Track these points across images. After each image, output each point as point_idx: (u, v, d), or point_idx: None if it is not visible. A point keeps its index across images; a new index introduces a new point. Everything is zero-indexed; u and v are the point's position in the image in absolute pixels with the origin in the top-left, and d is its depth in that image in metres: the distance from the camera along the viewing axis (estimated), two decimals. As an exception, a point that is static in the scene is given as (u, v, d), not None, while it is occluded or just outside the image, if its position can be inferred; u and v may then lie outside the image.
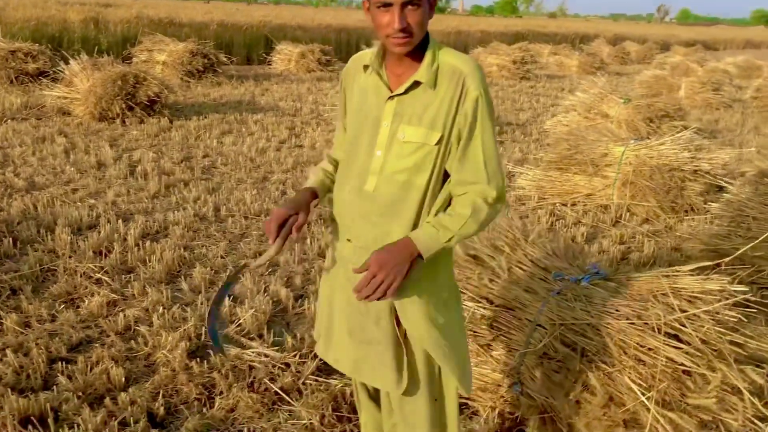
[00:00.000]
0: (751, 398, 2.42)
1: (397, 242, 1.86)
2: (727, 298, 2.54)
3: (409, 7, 1.76)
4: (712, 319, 2.53)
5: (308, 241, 5.00)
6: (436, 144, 1.88)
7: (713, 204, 5.23)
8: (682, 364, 2.41)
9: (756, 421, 2.49)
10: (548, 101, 13.64)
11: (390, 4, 1.76)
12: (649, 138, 7.91)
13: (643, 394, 2.41)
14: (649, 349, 2.47)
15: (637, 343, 2.48)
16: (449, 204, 1.96)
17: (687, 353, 2.44)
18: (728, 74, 17.66)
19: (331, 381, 3.15)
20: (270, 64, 17.45)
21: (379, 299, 1.84)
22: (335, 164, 2.14)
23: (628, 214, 6.03)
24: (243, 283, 4.20)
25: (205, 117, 9.69)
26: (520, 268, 3.07)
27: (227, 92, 12.46)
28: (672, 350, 2.43)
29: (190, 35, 17.02)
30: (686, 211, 5.97)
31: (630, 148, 6.22)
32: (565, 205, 6.27)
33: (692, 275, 2.68)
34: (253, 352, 3.37)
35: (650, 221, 5.90)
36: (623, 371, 2.48)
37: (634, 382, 2.44)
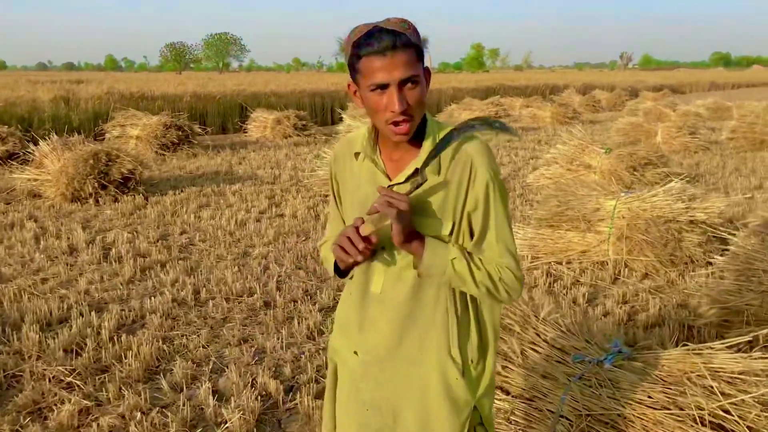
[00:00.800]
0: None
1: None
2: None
3: (408, 85, 1.55)
4: (758, 402, 2.26)
5: (295, 321, 4.68)
6: (449, 234, 1.66)
7: (717, 257, 5.02)
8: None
9: None
10: (527, 154, 13.57)
11: (386, 86, 1.54)
12: (634, 187, 7.79)
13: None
14: (694, 443, 2.19)
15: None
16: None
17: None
18: (701, 117, 17.86)
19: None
20: (246, 132, 17.32)
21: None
22: None
23: (626, 269, 5.81)
24: (228, 377, 3.87)
25: (182, 191, 9.42)
26: (535, 351, 2.79)
27: (204, 163, 12.24)
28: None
29: (163, 108, 16.91)
30: (686, 264, 5.75)
31: (622, 201, 6.04)
32: (560, 263, 6.03)
33: (728, 352, 2.42)
34: (243, 460, 3.03)
35: (650, 276, 5.67)
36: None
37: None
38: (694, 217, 5.84)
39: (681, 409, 2.28)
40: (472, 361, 1.72)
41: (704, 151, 13.48)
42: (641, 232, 5.82)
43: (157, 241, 6.87)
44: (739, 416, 2.22)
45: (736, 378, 2.33)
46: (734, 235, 4.74)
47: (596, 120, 22.56)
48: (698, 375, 2.38)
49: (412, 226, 1.60)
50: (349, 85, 1.67)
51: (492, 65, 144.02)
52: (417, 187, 1.62)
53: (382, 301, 1.72)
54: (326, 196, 9.11)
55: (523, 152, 13.86)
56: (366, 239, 1.58)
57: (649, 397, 2.40)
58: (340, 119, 16.97)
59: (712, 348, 2.51)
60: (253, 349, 4.28)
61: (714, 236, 5.79)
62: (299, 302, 5.12)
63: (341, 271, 1.76)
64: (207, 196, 9.18)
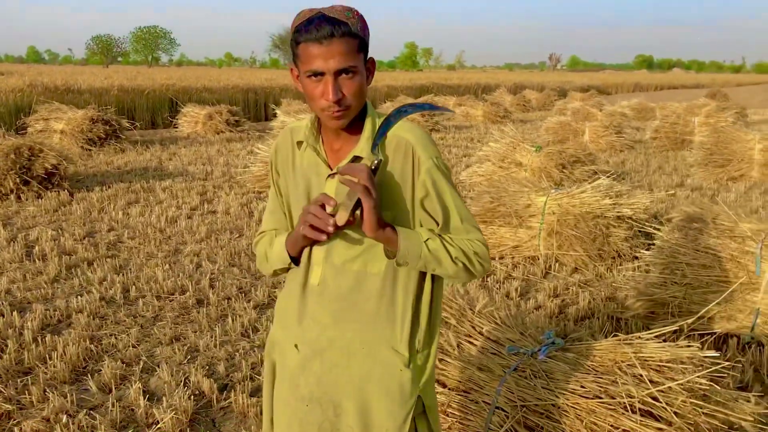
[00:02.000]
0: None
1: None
2: (698, 365, 2.36)
3: (344, 75, 1.54)
4: (683, 389, 2.34)
5: (229, 319, 4.60)
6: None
7: (643, 251, 5.19)
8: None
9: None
10: (460, 152, 13.74)
11: (321, 74, 1.53)
12: (563, 184, 7.98)
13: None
14: (624, 430, 2.25)
15: (611, 425, 2.25)
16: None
17: (662, 431, 2.23)
18: (626, 117, 18.48)
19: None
20: (176, 128, 16.93)
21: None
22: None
23: (557, 264, 5.95)
24: (159, 377, 3.77)
25: (109, 187, 9.13)
26: (471, 343, 2.82)
27: (132, 159, 11.89)
28: (648, 430, 2.21)
29: (90, 102, 16.35)
30: (613, 258, 5.93)
31: (552, 198, 6.18)
32: (493, 258, 6.12)
33: (656, 342, 2.50)
34: (175, 461, 2.95)
35: (580, 270, 5.82)
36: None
37: (611, 468, 2.21)
38: (620, 213, 6.03)
39: (612, 398, 2.34)
40: (418, 351, 1.73)
41: (629, 149, 13.94)
42: (571, 228, 5.96)
43: (84, 238, 6.64)
44: (666, 403, 2.29)
45: (663, 366, 2.41)
46: (659, 230, 4.91)
47: (527, 119, 23.04)
48: (628, 364, 2.45)
49: (380, 212, 1.57)
50: (291, 69, 1.66)
51: (425, 64, 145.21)
52: (376, 167, 1.60)
53: (322, 293, 1.70)
54: (260, 192, 8.99)
55: (456, 150, 14.02)
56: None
57: (582, 386, 2.46)
58: (274, 115, 16.80)
59: (641, 338, 2.59)
60: (185, 347, 4.18)
61: (640, 231, 5.99)
62: (233, 300, 5.03)
63: (293, 258, 1.73)
64: (136, 192, 8.92)
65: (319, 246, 1.69)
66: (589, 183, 6.31)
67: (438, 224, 1.67)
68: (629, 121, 19.15)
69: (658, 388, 2.28)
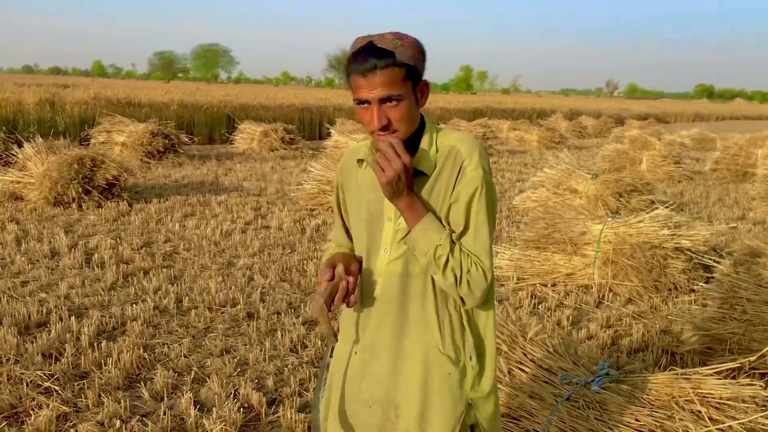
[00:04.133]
0: None
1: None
2: (762, 405, 2.28)
3: (388, 103, 1.62)
4: (745, 429, 2.26)
5: (278, 334, 4.64)
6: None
7: (701, 284, 5.05)
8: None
9: None
10: (513, 176, 13.64)
11: (368, 102, 1.63)
12: (620, 213, 7.84)
13: None
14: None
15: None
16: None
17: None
18: (685, 147, 18.11)
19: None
20: (232, 144, 17.27)
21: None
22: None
23: (610, 294, 5.83)
24: (210, 387, 3.82)
25: (167, 199, 9.35)
26: (522, 370, 2.77)
27: (189, 173, 12.17)
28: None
29: (150, 116, 16.81)
30: (670, 290, 5.79)
31: (608, 226, 6.07)
32: (545, 285, 6.04)
33: (716, 378, 2.42)
34: (222, 472, 2.98)
35: (634, 301, 5.69)
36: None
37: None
38: (679, 244, 5.88)
39: (669, 433, 2.28)
40: (470, 358, 1.74)
41: (688, 180, 13.62)
42: (627, 257, 5.85)
43: (141, 248, 6.81)
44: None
45: (723, 404, 2.33)
46: (719, 263, 4.77)
47: (582, 146, 22.77)
48: (686, 399, 2.38)
49: (405, 185, 1.63)
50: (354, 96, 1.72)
51: (480, 87, 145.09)
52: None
53: (377, 299, 1.76)
54: (313, 210, 9.09)
55: (509, 174, 13.93)
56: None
57: (637, 420, 2.39)
58: (328, 134, 16.97)
59: (699, 373, 2.51)
60: (235, 360, 4.22)
61: (698, 264, 5.83)
62: (283, 314, 5.08)
63: None
64: (192, 205, 9.12)
65: (382, 257, 1.76)
66: (647, 213, 6.19)
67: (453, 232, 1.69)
68: (688, 151, 18.76)
69: (717, 426, 2.21)
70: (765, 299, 4.25)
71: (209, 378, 3.93)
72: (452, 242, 1.66)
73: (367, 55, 1.58)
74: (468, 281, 1.65)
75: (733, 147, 14.82)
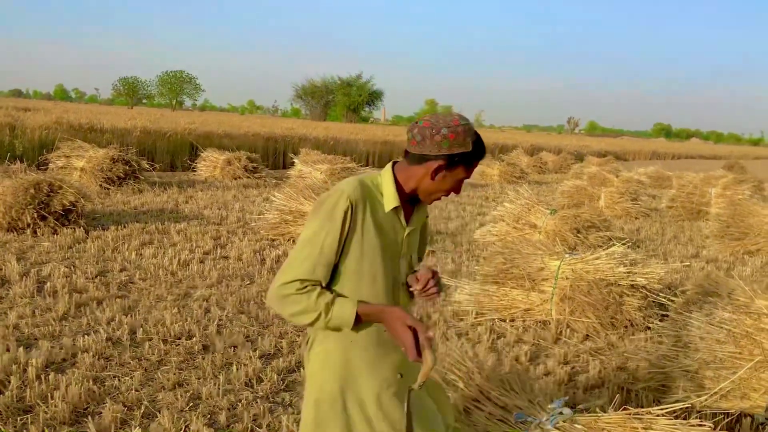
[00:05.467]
0: None
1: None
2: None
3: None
4: (695, 469, 2.27)
5: (234, 367, 4.56)
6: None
7: (657, 322, 5.13)
8: None
9: None
10: (474, 210, 13.77)
11: (465, 179, 2.05)
12: (578, 249, 7.95)
13: None
14: None
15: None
16: None
17: None
18: (642, 184, 18.50)
19: None
20: (195, 171, 17.13)
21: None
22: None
23: (568, 330, 5.87)
24: (160, 423, 3.72)
25: (125, 226, 9.20)
26: (479, 408, 2.76)
27: (149, 200, 12.01)
28: None
29: (112, 141, 16.59)
30: (626, 327, 5.85)
31: (566, 262, 6.14)
32: (504, 320, 6.07)
33: (667, 418, 2.44)
34: None
35: (591, 338, 5.74)
36: None
37: None
38: (635, 282, 5.97)
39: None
40: None
41: (645, 217, 13.90)
42: (584, 294, 5.91)
43: (96, 277, 6.66)
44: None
45: (674, 444, 2.36)
46: (673, 301, 4.85)
47: (542, 181, 23.12)
48: (638, 440, 2.39)
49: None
50: (431, 170, 1.99)
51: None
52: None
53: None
54: (273, 240, 9.02)
55: (470, 207, 14.06)
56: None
57: (590, 461, 2.40)
58: (292, 164, 16.96)
59: (651, 413, 2.53)
60: (188, 394, 4.13)
61: (653, 301, 5.92)
62: (239, 348, 5.00)
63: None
64: (150, 233, 8.98)
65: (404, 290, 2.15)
66: (604, 249, 6.28)
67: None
68: (645, 188, 19.15)
69: None
70: (717, 338, 4.32)
71: (159, 413, 3.83)
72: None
73: (484, 149, 2.04)
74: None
75: (688, 185, 15.21)
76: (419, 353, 1.87)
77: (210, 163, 16.79)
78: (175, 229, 9.32)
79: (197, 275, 7.00)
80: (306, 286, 1.94)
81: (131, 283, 6.59)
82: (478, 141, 1.99)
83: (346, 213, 1.95)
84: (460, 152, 1.95)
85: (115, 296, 6.06)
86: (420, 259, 2.22)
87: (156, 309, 5.78)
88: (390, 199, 2.04)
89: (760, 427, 4.05)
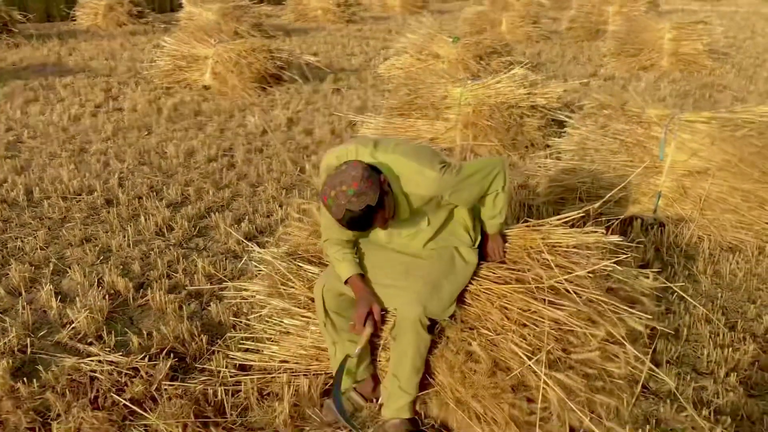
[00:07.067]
0: (630, 347, 2.38)
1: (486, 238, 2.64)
2: (602, 249, 2.47)
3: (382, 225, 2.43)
4: (589, 273, 2.45)
5: (142, 218, 4.48)
6: (427, 225, 2.63)
7: (555, 139, 5.31)
8: (566, 323, 2.31)
9: (636, 364, 2.47)
10: (378, 44, 13.46)
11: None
12: (480, 75, 7.98)
13: (529, 358, 2.29)
14: (533, 311, 2.35)
15: (520, 308, 2.35)
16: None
17: (570, 313, 2.34)
18: (543, 6, 18.47)
19: (189, 384, 2.78)
20: (74, 20, 15.77)
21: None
22: (350, 241, 2.59)
23: (472, 155, 6.02)
24: (71, 278, 3.67)
25: (4, 85, 8.52)
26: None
27: (28, 55, 11.07)
28: (556, 312, 2.32)
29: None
30: (527, 147, 6.04)
31: (468, 89, 6.17)
32: (410, 151, 6.13)
33: (564, 227, 2.59)
34: (92, 360, 2.91)
35: (495, 160, 5.90)
36: (507, 336, 2.35)
37: (518, 345, 2.31)
38: (534, 103, 6.10)
39: (523, 283, 2.44)
40: None
41: (546, 40, 13.99)
42: (486, 119, 6.01)
43: (-21, 139, 6.24)
44: (576, 284, 2.41)
45: (570, 251, 2.51)
46: (570, 117, 5.00)
47: (445, 9, 22.67)
48: (537, 251, 2.53)
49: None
50: None
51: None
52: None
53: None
54: (169, 88, 8.62)
55: (374, 42, 13.73)
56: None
57: (494, 273, 2.54)
58: (180, 5, 15.86)
59: (549, 224, 2.67)
60: (97, 248, 4.06)
61: (552, 120, 6.10)
62: (145, 199, 4.89)
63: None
64: (34, 90, 8.37)
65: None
66: (504, 73, 6.32)
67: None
68: (546, 11, 19.16)
69: (565, 277, 2.38)
70: (611, 149, 4.53)
71: (70, 268, 3.77)
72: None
73: (352, 224, 2.30)
74: (501, 198, 2.57)
75: (587, 5, 15.26)
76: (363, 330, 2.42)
77: (90, 10, 15.45)
78: (60, 83, 8.72)
79: (91, 129, 6.67)
80: (330, 244, 2.59)
81: (20, 142, 6.22)
82: (347, 221, 2.25)
83: None
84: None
85: (3, 157, 5.72)
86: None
87: (51, 167, 5.52)
88: None
89: (650, 227, 4.37)
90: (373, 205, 2.19)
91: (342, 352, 2.56)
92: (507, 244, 2.66)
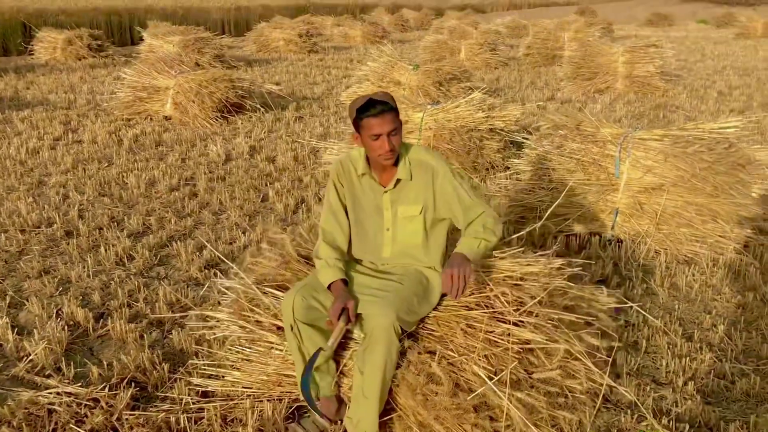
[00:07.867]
0: (590, 363, 2.42)
1: (453, 255, 2.44)
2: (557, 269, 2.53)
3: (392, 133, 2.47)
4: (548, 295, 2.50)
5: (102, 249, 4.43)
6: (420, 213, 2.64)
7: (514, 160, 5.39)
8: (527, 342, 2.35)
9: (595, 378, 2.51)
10: (340, 73, 13.59)
11: (380, 135, 2.45)
12: (440, 101, 8.10)
13: (490, 378, 2.31)
14: (497, 333, 2.39)
15: (484, 331, 2.39)
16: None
17: (531, 332, 2.39)
18: (500, 34, 18.85)
19: (151, 413, 2.74)
20: (32, 54, 15.64)
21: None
22: (341, 251, 2.71)
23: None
24: (29, 310, 3.61)
25: (-41, 119, 8.39)
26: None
27: (-17, 89, 10.94)
28: (517, 331, 2.36)
29: (-72, 26, 14.77)
30: (487, 169, 6.13)
31: (428, 114, 6.26)
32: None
33: (511, 259, 2.67)
34: (50, 392, 2.86)
35: (456, 183, 5.97)
36: (468, 358, 2.37)
37: (479, 366, 2.34)
38: (493, 126, 6.21)
39: (491, 311, 2.47)
40: None
41: (504, 66, 14.28)
42: (447, 142, 6.08)
43: (-67, 174, 6.12)
44: (536, 311, 2.45)
45: (525, 276, 2.59)
46: (527, 139, 5.10)
47: (405, 39, 23.02)
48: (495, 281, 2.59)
49: (464, 265, 2.38)
50: (354, 137, 2.56)
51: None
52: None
53: (392, 259, 2.78)
54: (129, 120, 8.57)
55: (335, 71, 13.86)
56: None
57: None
58: (141, 39, 15.84)
59: (497, 257, 2.76)
60: (56, 279, 4.00)
61: (511, 142, 6.21)
62: (105, 229, 4.84)
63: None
64: (-9, 123, 8.26)
65: (387, 233, 2.70)
66: (464, 98, 6.43)
67: (460, 208, 2.57)
68: (504, 38, 19.56)
69: (525, 309, 2.43)
70: (567, 168, 4.63)
71: (27, 301, 3.70)
72: (479, 239, 2.48)
73: (376, 104, 2.43)
74: (494, 231, 2.51)
75: (543, 32, 15.65)
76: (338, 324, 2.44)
77: (48, 44, 15.36)
78: (18, 117, 8.61)
79: (49, 162, 6.59)
80: (320, 242, 2.72)
81: (-24, 177, 6.11)
82: (365, 101, 2.43)
83: (334, 181, 2.71)
84: (354, 116, 2.46)
85: (-41, 192, 5.62)
86: (466, 208, 2.57)
87: (8, 200, 5.43)
88: (359, 169, 2.64)
89: (608, 243, 4.46)
90: (391, 103, 2.45)
91: (310, 352, 2.55)
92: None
